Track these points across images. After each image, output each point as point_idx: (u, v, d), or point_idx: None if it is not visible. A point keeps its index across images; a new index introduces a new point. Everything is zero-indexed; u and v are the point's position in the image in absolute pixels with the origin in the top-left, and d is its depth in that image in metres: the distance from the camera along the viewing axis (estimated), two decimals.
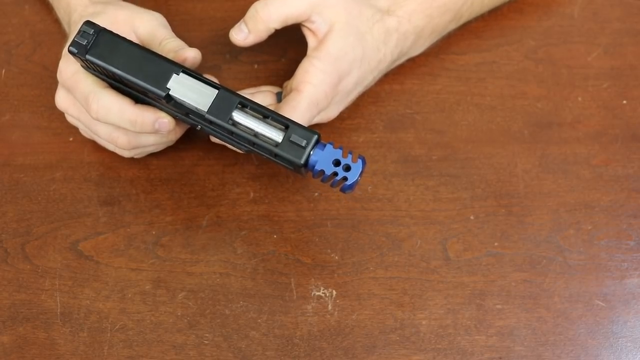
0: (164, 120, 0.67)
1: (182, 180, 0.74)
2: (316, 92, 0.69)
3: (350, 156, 0.62)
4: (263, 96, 0.74)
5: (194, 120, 0.65)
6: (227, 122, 0.62)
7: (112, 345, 0.68)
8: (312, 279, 0.70)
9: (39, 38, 0.80)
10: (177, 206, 0.73)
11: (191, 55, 0.67)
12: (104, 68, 0.63)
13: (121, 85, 0.66)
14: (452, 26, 0.78)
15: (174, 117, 0.67)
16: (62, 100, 0.70)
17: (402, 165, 0.74)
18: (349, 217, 0.72)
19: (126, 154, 0.73)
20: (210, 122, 0.63)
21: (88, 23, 0.64)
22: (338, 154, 0.62)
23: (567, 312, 0.69)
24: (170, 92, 0.63)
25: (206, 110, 0.62)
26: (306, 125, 0.70)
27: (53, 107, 0.76)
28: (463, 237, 0.72)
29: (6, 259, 0.71)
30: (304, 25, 0.71)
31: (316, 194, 0.73)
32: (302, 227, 0.72)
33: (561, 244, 0.71)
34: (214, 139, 0.72)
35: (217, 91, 0.63)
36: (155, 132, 0.67)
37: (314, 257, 0.71)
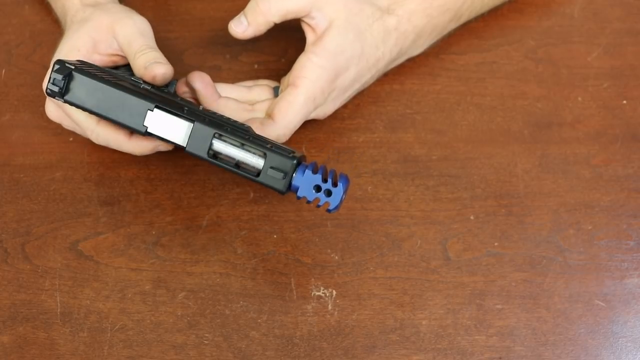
0: (161, 146, 0.69)
1: (182, 180, 0.74)
2: (313, 87, 0.69)
3: (330, 180, 0.61)
4: (260, 90, 0.74)
5: (178, 145, 0.65)
6: (208, 154, 0.62)
7: (112, 345, 0.68)
8: (312, 279, 0.70)
9: (39, 38, 0.80)
10: (177, 206, 0.73)
11: (160, 72, 0.67)
12: (83, 108, 0.63)
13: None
14: (452, 26, 0.78)
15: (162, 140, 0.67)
16: (54, 114, 0.71)
17: (402, 165, 0.74)
18: (349, 217, 0.72)
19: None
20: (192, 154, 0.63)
21: (58, 65, 0.63)
22: (317, 179, 0.61)
23: (567, 312, 0.69)
24: (148, 130, 0.63)
25: (185, 145, 0.63)
26: (302, 121, 0.70)
27: None
28: (463, 237, 0.72)
29: (6, 259, 0.71)
30: (303, 21, 0.71)
31: None
32: (302, 227, 0.72)
33: (561, 244, 0.71)
34: None
35: (192, 124, 0.62)
36: (155, 151, 0.70)
37: (314, 257, 0.71)
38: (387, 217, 0.72)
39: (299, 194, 0.62)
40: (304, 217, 0.72)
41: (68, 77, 0.63)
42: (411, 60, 0.78)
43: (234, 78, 0.78)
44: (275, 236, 0.72)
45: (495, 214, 0.72)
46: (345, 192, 0.62)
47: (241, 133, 0.63)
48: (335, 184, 0.61)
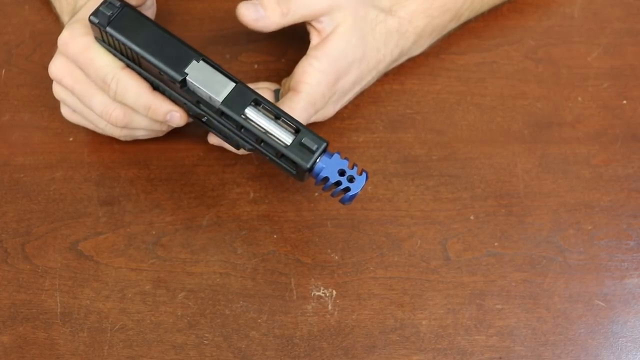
0: (176, 114, 0.67)
1: (182, 180, 0.74)
2: (313, 92, 0.69)
3: (355, 169, 0.63)
4: (260, 93, 0.74)
5: (203, 110, 0.65)
6: (240, 116, 0.62)
7: (112, 345, 0.68)
8: (312, 279, 0.70)
9: (39, 38, 0.80)
10: (177, 206, 0.73)
11: None
12: (122, 43, 0.63)
13: (136, 67, 0.66)
14: (453, 25, 0.78)
15: (183, 105, 0.67)
16: (59, 68, 0.68)
17: (402, 165, 0.74)
18: (349, 217, 0.72)
19: (117, 132, 0.71)
20: (222, 114, 0.63)
21: None
22: (344, 164, 0.63)
23: (567, 312, 0.69)
24: (187, 77, 0.63)
25: (220, 101, 0.62)
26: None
27: (53, 107, 0.76)
28: (463, 237, 0.72)
29: (6, 259, 0.71)
30: (309, 24, 0.70)
31: (316, 194, 0.73)
32: (302, 227, 0.72)
33: (561, 244, 0.71)
34: (211, 140, 0.72)
35: (234, 84, 0.63)
36: (165, 122, 0.68)
37: (314, 257, 0.71)
38: (387, 217, 0.72)
39: (323, 173, 0.63)
40: (304, 217, 0.72)
41: (123, 8, 0.63)
42: (411, 60, 0.78)
43: None
44: (275, 236, 0.72)
45: (495, 214, 0.72)
46: (364, 184, 0.63)
47: (277, 107, 0.64)
48: (359, 173, 0.63)
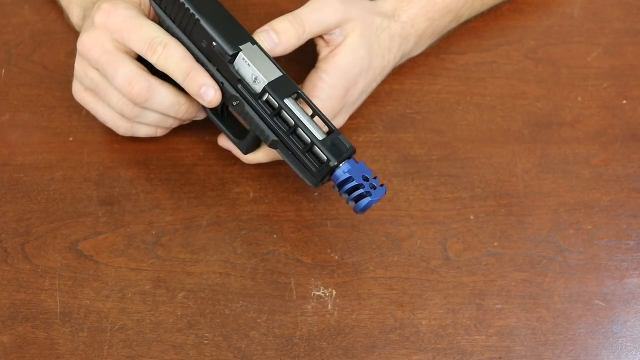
0: (211, 90, 0.66)
1: (182, 180, 0.74)
2: (324, 106, 0.69)
3: (377, 180, 0.65)
4: None
5: (240, 91, 0.66)
6: (282, 101, 0.65)
7: (112, 345, 0.68)
8: (312, 279, 0.70)
9: (39, 38, 0.80)
10: (177, 206, 0.73)
11: None
12: (186, 8, 0.65)
13: (184, 37, 0.67)
14: (453, 25, 0.79)
15: (219, 84, 0.67)
16: (91, 39, 0.67)
17: (402, 165, 0.74)
18: (349, 217, 0.72)
19: (127, 112, 0.69)
20: (262, 97, 0.65)
21: None
22: (369, 172, 0.65)
23: (567, 312, 0.69)
24: (240, 53, 0.65)
25: (267, 82, 0.64)
26: None
27: (53, 107, 0.77)
28: (463, 237, 0.72)
29: (6, 259, 0.71)
30: (320, 37, 0.71)
31: (316, 194, 0.73)
32: (302, 227, 0.72)
33: (561, 244, 0.71)
34: (221, 142, 0.72)
35: (281, 74, 0.65)
36: (197, 96, 0.67)
37: (314, 257, 0.71)
38: (387, 217, 0.72)
39: (349, 174, 0.64)
40: (304, 217, 0.72)
41: None
42: (411, 60, 0.78)
43: None
44: (275, 236, 0.72)
45: (495, 214, 0.72)
46: (382, 197, 0.65)
47: (315, 106, 0.66)
48: (380, 185, 0.65)
